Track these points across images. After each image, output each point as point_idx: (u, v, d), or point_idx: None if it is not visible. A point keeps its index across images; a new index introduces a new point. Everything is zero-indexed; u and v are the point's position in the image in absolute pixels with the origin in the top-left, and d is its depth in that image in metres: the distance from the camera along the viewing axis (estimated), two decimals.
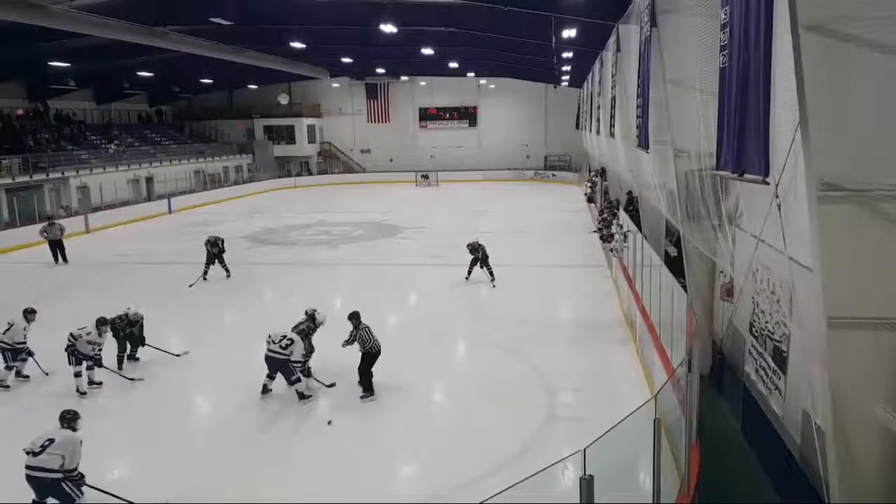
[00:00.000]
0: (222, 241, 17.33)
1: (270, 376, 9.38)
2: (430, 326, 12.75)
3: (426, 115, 47.70)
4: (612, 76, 17.62)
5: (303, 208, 32.93)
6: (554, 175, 44.19)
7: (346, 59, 35.55)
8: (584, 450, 4.89)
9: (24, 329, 10.30)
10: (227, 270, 17.12)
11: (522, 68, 37.09)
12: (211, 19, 22.20)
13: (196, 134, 44.62)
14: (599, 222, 19.63)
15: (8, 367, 10.14)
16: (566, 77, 35.33)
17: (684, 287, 8.51)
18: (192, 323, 13.83)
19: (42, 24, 19.06)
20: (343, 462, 7.70)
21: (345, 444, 8.16)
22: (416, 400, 9.46)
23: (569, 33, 19.27)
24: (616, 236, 15.72)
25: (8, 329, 10.16)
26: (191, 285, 16.35)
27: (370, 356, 9.30)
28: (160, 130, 42.47)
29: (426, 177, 43.94)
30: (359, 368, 9.37)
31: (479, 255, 16.15)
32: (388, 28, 21.31)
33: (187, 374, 10.76)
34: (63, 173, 28.88)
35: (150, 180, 34.70)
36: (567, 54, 25.48)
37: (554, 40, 21.13)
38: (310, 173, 46.79)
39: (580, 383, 9.83)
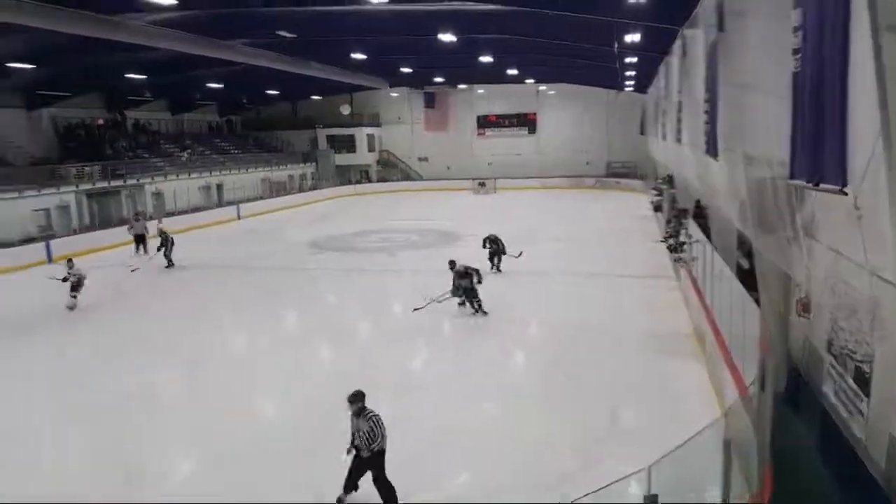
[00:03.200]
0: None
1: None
2: (486, 333, 12.68)
3: (484, 123, 47.72)
4: (679, 81, 17.20)
5: (362, 215, 33.44)
6: (617, 182, 43.29)
7: (406, 69, 35.95)
8: (650, 467, 4.74)
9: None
10: None
11: (583, 74, 36.65)
12: (277, 32, 22.86)
13: (262, 143, 45.94)
14: (666, 232, 19.15)
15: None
16: (630, 82, 34.65)
17: (757, 301, 8.17)
18: (259, 322, 14.18)
19: (121, 39, 20.00)
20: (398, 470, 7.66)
21: (400, 455, 8.13)
22: (470, 408, 9.34)
23: (632, 38, 18.90)
24: (684, 246, 15.31)
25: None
26: None
27: (374, 459, 6.71)
28: (229, 140, 43.92)
29: (483, 184, 43.91)
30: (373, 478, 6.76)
31: (498, 247, 17.33)
32: (447, 37, 21.45)
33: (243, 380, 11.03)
34: (139, 180, 30.23)
35: (220, 187, 35.90)
36: (630, 59, 25.00)
37: (616, 45, 20.77)
38: (369, 181, 47.48)
39: (644, 397, 9.55)
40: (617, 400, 9.49)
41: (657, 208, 28.13)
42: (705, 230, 13.17)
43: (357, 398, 6.70)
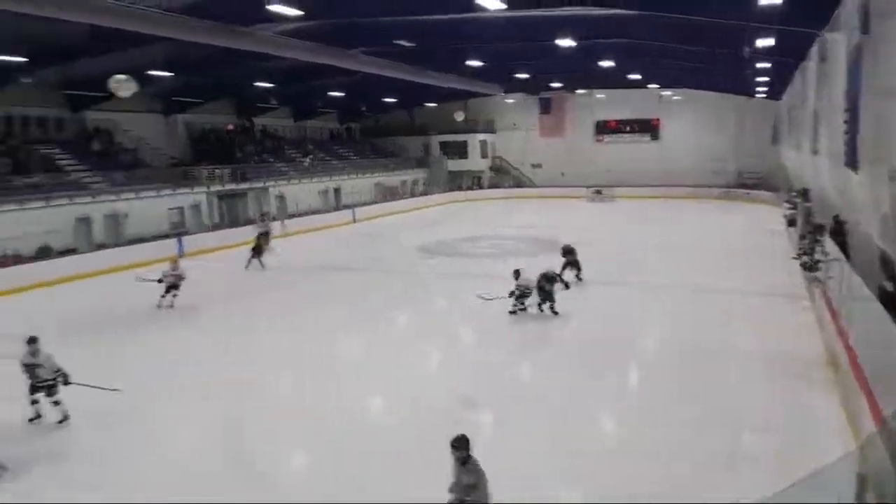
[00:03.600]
0: None
1: None
2: (597, 349, 12.32)
3: (603, 129, 46.57)
4: (816, 88, 16.14)
5: (472, 221, 33.65)
6: (746, 193, 40.68)
7: (522, 75, 35.86)
8: (773, 494, 4.49)
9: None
10: None
11: (710, 79, 34.98)
12: (395, 41, 23.54)
13: (378, 149, 47.41)
14: (800, 248, 17.91)
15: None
16: (762, 88, 32.73)
17: None
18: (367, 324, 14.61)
19: (251, 49, 21.32)
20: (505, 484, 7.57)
21: (505, 470, 8.00)
22: (583, 429, 9.01)
23: (765, 42, 17.83)
24: (819, 264, 14.24)
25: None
26: None
27: None
28: (348, 146, 45.67)
29: (599, 192, 42.90)
30: None
31: (573, 257, 17.14)
32: (566, 42, 21.17)
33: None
34: (264, 183, 32.02)
35: (337, 191, 37.39)
36: (763, 64, 23.60)
37: (747, 50, 19.73)
38: (480, 187, 47.73)
39: (772, 423, 8.90)
40: (743, 425, 8.92)
41: (791, 223, 26.35)
42: (843, 248, 12.21)
43: (461, 445, 5.84)
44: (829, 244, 13.37)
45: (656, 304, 15.81)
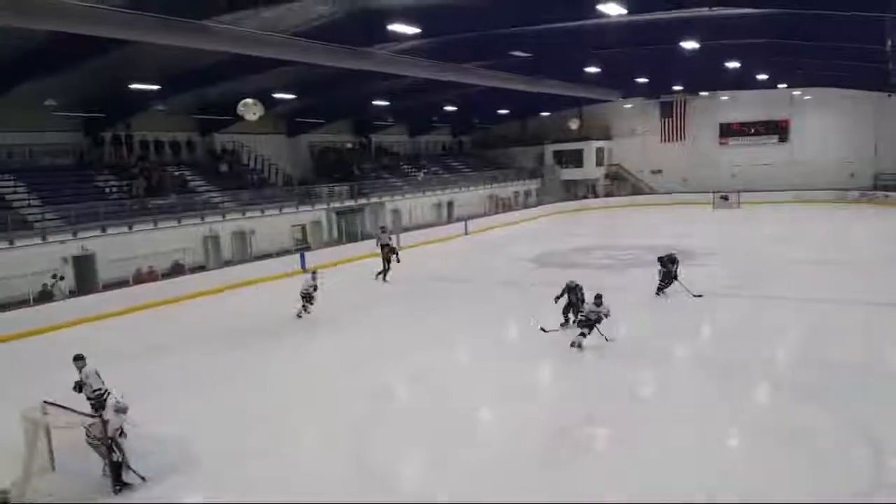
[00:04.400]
0: None
1: None
2: (723, 365, 11.69)
3: (728, 131, 44.25)
4: None
5: (588, 231, 32.99)
6: (887, 196, 37.56)
7: (641, 80, 34.85)
8: None
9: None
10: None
11: (846, 76, 32.46)
12: (511, 53, 23.58)
13: (491, 160, 47.61)
14: None
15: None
16: None
17: None
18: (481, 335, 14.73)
19: (370, 69, 22.02)
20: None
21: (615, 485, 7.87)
22: (709, 451, 8.58)
23: None
24: None
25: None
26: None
27: None
28: (460, 159, 46.23)
29: (725, 198, 40.75)
30: None
31: (674, 267, 16.46)
32: (690, 45, 20.40)
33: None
34: (380, 198, 32.98)
35: (450, 204, 37.91)
36: None
37: (889, 43, 18.17)
38: (595, 196, 46.69)
39: None
40: (885, 448, 8.22)
41: None
42: None
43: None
44: None
45: (797, 318, 14.84)
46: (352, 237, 29.49)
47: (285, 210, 27.40)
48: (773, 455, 8.24)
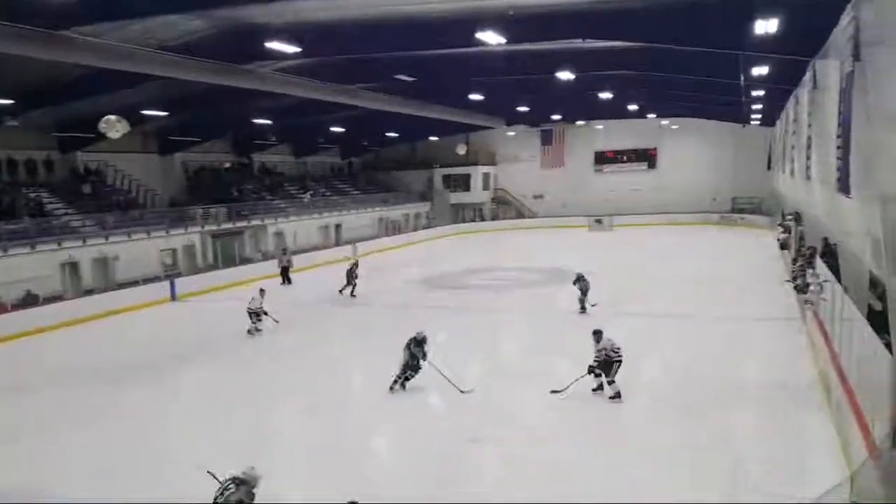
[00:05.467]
0: None
1: None
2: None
3: (602, 159, 46.90)
4: (808, 114, 16.22)
5: (474, 254, 33.62)
6: (742, 219, 41.21)
7: (523, 108, 36.21)
8: None
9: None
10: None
11: (707, 108, 35.33)
12: (395, 76, 23.81)
13: (380, 183, 47.64)
14: (793, 271, 17.91)
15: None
16: (757, 115, 33.02)
17: (888, 345, 7.42)
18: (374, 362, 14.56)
19: (248, 87, 21.35)
20: None
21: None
22: (576, 460, 8.95)
23: (759, 71, 18.07)
24: (812, 287, 14.19)
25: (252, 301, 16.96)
26: None
27: None
28: (349, 181, 45.89)
29: (599, 221, 42.98)
30: None
31: (582, 284, 17.30)
32: (565, 75, 21.44)
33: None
34: (262, 220, 31.76)
35: (338, 227, 37.45)
36: (757, 92, 23.86)
37: (742, 78, 19.92)
38: (482, 219, 47.89)
39: (767, 453, 8.83)
40: (738, 453, 8.84)
41: (783, 246, 26.38)
42: (834, 270, 12.19)
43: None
44: (821, 267, 13.36)
45: (655, 334, 15.69)
46: (229, 261, 28.31)
47: (154, 233, 25.67)
48: (639, 463, 8.65)
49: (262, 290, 17.67)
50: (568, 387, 11.11)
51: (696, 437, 9.46)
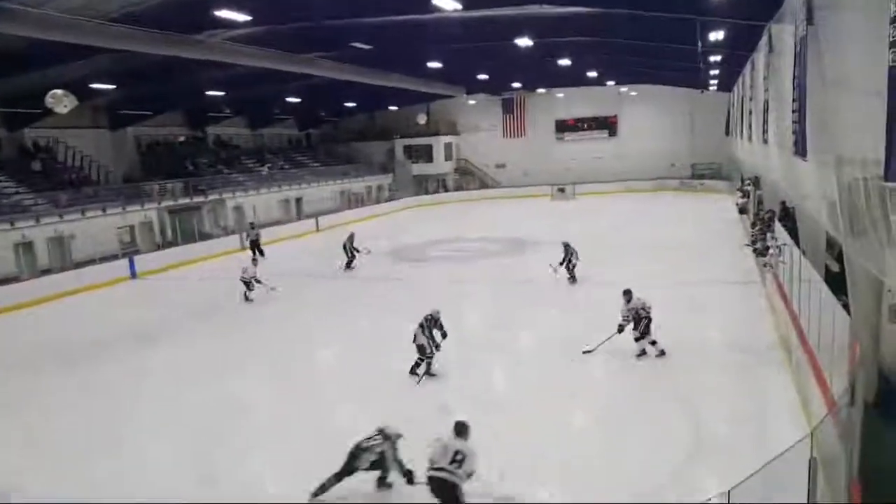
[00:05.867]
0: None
1: None
2: (562, 346, 12.30)
3: (563, 127, 47.01)
4: (765, 79, 16.40)
5: (438, 225, 33.53)
6: (701, 184, 41.93)
7: (483, 76, 35.92)
8: (729, 492, 4.53)
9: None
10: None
11: (666, 74, 35.53)
12: (351, 44, 23.27)
13: (340, 155, 46.96)
14: (752, 235, 18.32)
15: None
16: (714, 81, 33.35)
17: (846, 306, 7.61)
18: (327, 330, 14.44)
19: (198, 57, 20.61)
20: None
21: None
22: (545, 427, 9.02)
23: (715, 36, 18.21)
24: (770, 250, 14.52)
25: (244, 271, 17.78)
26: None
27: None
28: (308, 153, 45.11)
29: (562, 190, 43.23)
30: None
31: (567, 253, 17.44)
32: (524, 42, 21.26)
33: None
34: (220, 195, 31.15)
35: (299, 200, 36.90)
36: (714, 57, 24.05)
37: (700, 44, 20.03)
38: (446, 190, 47.68)
39: (728, 413, 9.08)
40: (700, 414, 9.04)
41: (742, 211, 26.94)
42: (792, 233, 12.47)
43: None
44: (779, 230, 13.65)
45: (617, 299, 15.85)
46: (188, 237, 27.71)
47: (110, 211, 25.05)
48: (606, 424, 8.79)
49: (253, 260, 18.59)
50: (598, 346, 11.59)
51: (659, 398, 9.65)
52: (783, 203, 15.31)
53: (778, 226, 14.45)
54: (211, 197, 30.50)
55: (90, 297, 20.09)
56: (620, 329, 11.46)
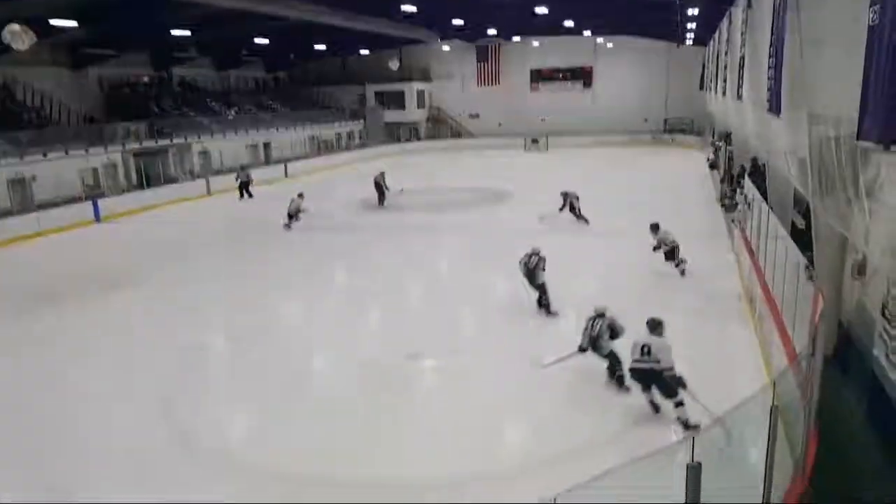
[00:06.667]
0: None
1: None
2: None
3: (538, 77, 46.54)
4: (742, 34, 16.40)
5: (410, 174, 33.22)
6: (673, 139, 42.13)
7: (457, 21, 35.16)
8: (693, 438, 4.71)
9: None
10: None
11: (643, 26, 35.28)
12: None
13: (310, 100, 45.88)
14: (722, 190, 18.63)
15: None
16: (690, 35, 33.24)
17: (811, 261, 7.85)
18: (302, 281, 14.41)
19: None
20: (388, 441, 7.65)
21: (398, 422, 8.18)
22: (506, 371, 9.21)
23: None
24: (739, 206, 14.80)
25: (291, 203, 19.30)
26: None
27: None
28: (276, 97, 43.97)
29: (535, 141, 43.10)
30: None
31: (566, 200, 18.37)
32: None
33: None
34: (186, 139, 30.25)
35: (267, 146, 36.12)
36: (692, 10, 23.94)
37: None
38: (418, 139, 47.14)
39: (692, 362, 9.24)
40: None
41: (713, 166, 27.28)
42: (761, 189, 12.69)
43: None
44: (749, 186, 13.88)
45: (586, 251, 16.07)
46: (154, 181, 27.09)
47: (72, 153, 24.23)
48: (571, 373, 8.99)
49: (300, 194, 19.78)
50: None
51: (619, 343, 9.85)
52: (754, 159, 15.54)
53: (747, 181, 14.68)
54: (176, 140, 29.64)
55: (53, 239, 19.68)
56: (655, 249, 13.25)
